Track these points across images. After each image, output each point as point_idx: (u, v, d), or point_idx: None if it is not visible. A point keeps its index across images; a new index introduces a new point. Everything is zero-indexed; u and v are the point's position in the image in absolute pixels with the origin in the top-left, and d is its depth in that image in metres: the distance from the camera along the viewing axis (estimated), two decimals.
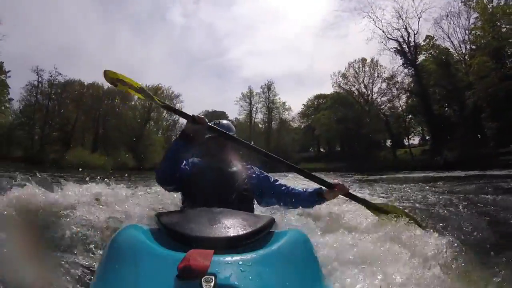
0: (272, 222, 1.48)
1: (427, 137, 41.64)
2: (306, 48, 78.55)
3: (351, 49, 73.33)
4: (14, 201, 2.83)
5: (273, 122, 51.58)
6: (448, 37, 34.85)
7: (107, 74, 2.66)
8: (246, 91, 52.12)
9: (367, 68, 44.11)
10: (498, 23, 28.06)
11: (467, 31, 33.46)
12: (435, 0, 44.02)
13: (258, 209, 2.69)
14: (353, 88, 45.45)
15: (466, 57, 33.64)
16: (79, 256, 2.44)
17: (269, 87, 50.85)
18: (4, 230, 2.33)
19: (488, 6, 29.06)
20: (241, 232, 1.30)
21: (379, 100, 44.16)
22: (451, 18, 34.24)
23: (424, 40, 36.54)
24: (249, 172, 2.57)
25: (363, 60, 44.08)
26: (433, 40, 35.84)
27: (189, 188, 2.40)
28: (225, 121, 2.70)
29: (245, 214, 1.64)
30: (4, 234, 2.27)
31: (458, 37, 34.43)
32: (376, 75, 43.63)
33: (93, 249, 2.54)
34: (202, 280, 0.92)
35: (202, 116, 2.31)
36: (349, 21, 79.26)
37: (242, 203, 2.27)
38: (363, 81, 44.50)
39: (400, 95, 41.78)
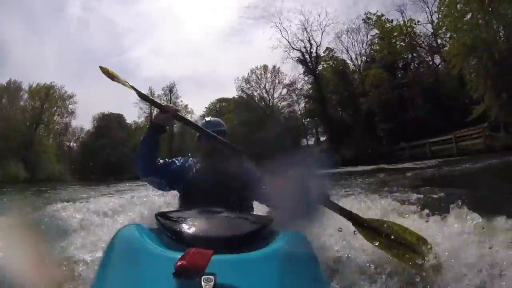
0: (271, 222, 1.52)
1: (321, 139, 46.24)
2: (209, 52, 77.52)
3: (255, 55, 75.78)
4: None
5: (175, 126, 50.46)
6: (347, 50, 39.86)
7: (103, 69, 2.54)
8: (147, 92, 48.87)
9: (269, 75, 46.87)
10: (394, 41, 33.60)
11: (364, 45, 38.71)
12: (339, 16, 49.33)
13: (259, 209, 2.59)
14: (255, 93, 47.78)
15: (361, 68, 38.92)
16: (79, 256, 2.56)
17: (171, 89, 49.81)
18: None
19: (387, 25, 34.38)
20: (241, 232, 1.32)
21: (279, 104, 47.45)
22: (350, 33, 39.28)
23: (324, 52, 40.81)
24: (245, 169, 2.50)
25: (265, 67, 46.67)
26: (333, 52, 40.37)
27: (186, 190, 2.40)
28: (213, 118, 2.68)
29: (245, 214, 1.75)
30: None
31: (356, 50, 39.63)
32: (277, 81, 46.70)
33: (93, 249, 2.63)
34: (202, 279, 0.93)
35: (170, 105, 2.49)
36: (254, 28, 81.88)
37: (240, 202, 2.25)
38: (265, 86, 47.14)
39: (299, 100, 45.79)
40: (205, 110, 53.49)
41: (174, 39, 76.21)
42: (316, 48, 40.58)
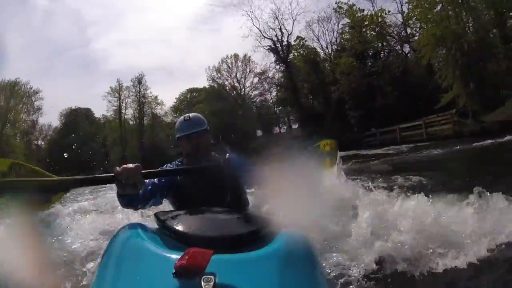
0: (272, 221, 1.50)
1: (293, 126, 46.94)
2: (178, 41, 76.24)
3: (225, 43, 74.95)
4: None
5: (145, 118, 49.40)
6: (318, 39, 40.39)
7: None
8: (115, 84, 48.33)
9: (240, 64, 46.85)
10: (364, 30, 34.35)
11: (335, 34, 39.31)
12: (310, 6, 49.52)
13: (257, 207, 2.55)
14: (226, 82, 47.79)
15: (331, 57, 39.55)
16: (80, 256, 2.58)
17: (139, 80, 48.40)
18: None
19: (358, 14, 34.92)
20: (241, 232, 1.31)
21: (251, 93, 47.72)
22: (321, 23, 39.76)
23: (295, 40, 41.09)
24: (231, 162, 2.34)
25: (236, 56, 46.61)
26: (304, 40, 40.75)
27: (177, 197, 2.32)
28: (193, 115, 2.45)
29: (245, 213, 1.73)
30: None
31: (326, 39, 40.22)
32: (248, 70, 46.77)
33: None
34: (202, 279, 0.92)
35: (127, 167, 1.59)
36: (223, 15, 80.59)
37: (234, 197, 2.21)
38: (236, 76, 47.15)
39: (271, 89, 46.25)
40: (175, 101, 52.99)
41: (142, 28, 74.64)
42: (288, 36, 40.95)
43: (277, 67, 42.64)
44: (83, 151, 39.07)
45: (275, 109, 48.10)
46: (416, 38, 28.96)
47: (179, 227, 1.30)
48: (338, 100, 35.63)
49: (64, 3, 70.78)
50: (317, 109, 39.69)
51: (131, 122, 49.36)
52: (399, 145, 21.62)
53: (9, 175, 1.71)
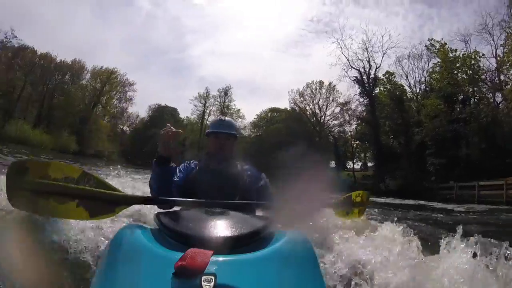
0: (272, 222, 1.52)
1: (369, 164, 44.52)
2: (267, 59, 78.90)
3: (311, 68, 75.18)
4: None
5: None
6: (406, 76, 38.32)
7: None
8: (203, 91, 51.54)
9: (324, 91, 46.48)
10: (455, 71, 31.53)
11: (424, 73, 36.97)
12: (401, 41, 47.70)
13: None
14: (307, 107, 47.44)
15: (419, 96, 37.05)
16: (80, 256, 2.48)
17: (226, 92, 51.03)
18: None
19: (450, 54, 32.43)
20: (241, 232, 1.31)
21: (330, 122, 46.67)
22: (412, 59, 37.70)
23: (384, 75, 39.44)
24: (248, 172, 2.47)
25: (321, 82, 46.32)
26: (392, 76, 38.90)
27: (187, 192, 2.29)
28: (228, 119, 2.60)
29: (245, 214, 1.71)
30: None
31: (415, 77, 37.98)
32: (331, 98, 46.08)
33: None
34: (202, 279, 0.94)
35: (169, 130, 2.09)
36: (314, 42, 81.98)
37: (242, 204, 2.16)
38: (318, 102, 46.64)
39: (352, 121, 44.54)
40: (256, 117, 54.01)
41: (235, 43, 78.90)
42: (375, 69, 39.38)
43: (361, 99, 41.08)
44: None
45: (352, 143, 46.12)
46: (509, 86, 25.50)
47: (179, 228, 1.33)
48: (419, 143, 32.93)
49: (166, 10, 78.41)
50: (396, 149, 37.21)
51: None
52: (476, 204, 19.17)
53: (80, 183, 1.88)
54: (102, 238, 2.63)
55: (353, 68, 40.04)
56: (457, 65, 31.48)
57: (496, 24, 29.67)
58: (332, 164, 46.46)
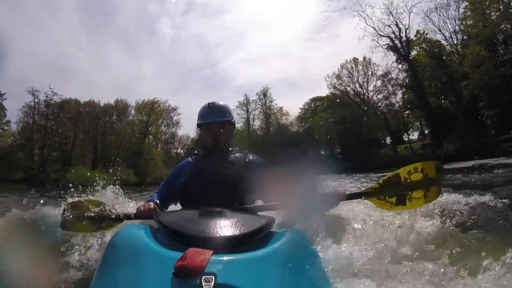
0: (272, 221, 1.48)
1: (426, 131, 41.56)
2: (298, 52, 77.96)
3: (344, 48, 72.60)
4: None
5: (271, 128, 51.26)
6: (439, 29, 35.00)
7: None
8: (243, 99, 51.88)
9: (360, 67, 44.08)
10: (487, 11, 28.26)
11: (457, 22, 33.64)
12: None
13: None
14: (348, 89, 45.32)
15: (458, 47, 33.86)
16: (80, 256, 2.54)
17: (265, 93, 50.68)
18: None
19: None
20: (241, 232, 1.29)
21: (375, 98, 44.25)
22: (440, 10, 34.44)
23: (415, 35, 36.50)
24: (248, 163, 2.28)
25: (355, 59, 44.07)
26: (424, 34, 35.86)
27: (186, 191, 2.22)
28: (218, 103, 2.35)
29: (245, 213, 1.68)
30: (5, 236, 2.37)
31: (449, 29, 34.70)
32: (370, 73, 43.57)
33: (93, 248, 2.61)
34: (202, 279, 0.93)
35: (144, 211, 2.02)
36: (339, 21, 78.08)
37: (243, 200, 2.08)
38: (358, 80, 44.35)
39: (396, 91, 41.83)
40: (300, 110, 53.24)
41: (262, 45, 78.86)
42: (406, 31, 36.51)
43: (400, 66, 38.50)
44: None
45: (403, 113, 43.30)
46: None
47: (179, 228, 1.33)
48: (470, 98, 30.07)
49: (188, 30, 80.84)
50: (448, 110, 34.26)
51: (259, 132, 51.87)
52: None
53: (97, 209, 2.34)
54: (103, 237, 2.70)
55: (382, 35, 37.61)
56: (487, 3, 28.07)
57: None
58: (388, 140, 44.31)
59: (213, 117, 2.25)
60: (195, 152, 2.41)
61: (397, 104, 43.04)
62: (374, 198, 2.29)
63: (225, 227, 1.33)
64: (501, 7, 27.31)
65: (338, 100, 44.76)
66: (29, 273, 2.04)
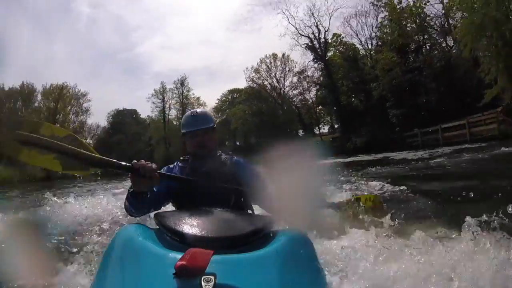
0: (272, 221, 1.50)
1: (336, 126, 45.48)
2: (219, 42, 77.49)
3: (265, 43, 75.05)
4: None
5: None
6: (356, 34, 38.75)
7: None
8: (159, 87, 50.24)
9: (279, 63, 46.46)
10: (404, 22, 32.27)
11: (374, 29, 37.53)
12: (346, 0, 47.80)
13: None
14: (265, 82, 47.45)
15: (372, 52, 37.84)
16: (80, 256, 2.56)
17: (182, 82, 49.82)
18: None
19: (397, 6, 32.89)
20: (241, 232, 1.30)
21: (290, 93, 47.17)
22: (359, 17, 38.05)
23: (332, 38, 39.82)
24: (236, 165, 2.31)
25: (274, 55, 46.25)
26: (341, 37, 39.39)
27: (180, 199, 2.20)
28: (200, 110, 2.38)
29: (245, 213, 1.73)
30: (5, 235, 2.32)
31: (365, 34, 38.57)
32: (287, 69, 46.27)
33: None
34: (202, 279, 0.93)
35: (149, 165, 1.73)
36: (263, 15, 79.84)
37: (237, 201, 2.09)
38: (275, 75, 46.72)
39: (311, 88, 45.24)
40: (217, 101, 53.48)
41: (183, 31, 76.92)
42: (325, 33, 39.55)
43: (316, 65, 41.56)
44: (129, 150, 41.10)
45: (315, 108, 46.82)
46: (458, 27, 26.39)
47: (179, 228, 1.30)
48: (379, 98, 33.96)
49: (107, 10, 74.44)
50: (358, 107, 38.11)
51: (174, 123, 50.42)
52: (442, 147, 19.53)
53: (64, 142, 1.91)
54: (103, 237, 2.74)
55: (303, 35, 40.16)
56: (405, 15, 32.18)
57: None
58: (301, 132, 47.32)
59: (198, 125, 2.28)
60: (181, 158, 2.41)
61: (310, 100, 46.37)
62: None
63: (225, 227, 1.36)
64: (417, 20, 31.44)
65: (255, 92, 46.35)
66: (28, 273, 2.01)
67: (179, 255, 1.02)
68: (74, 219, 3.63)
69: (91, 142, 49.26)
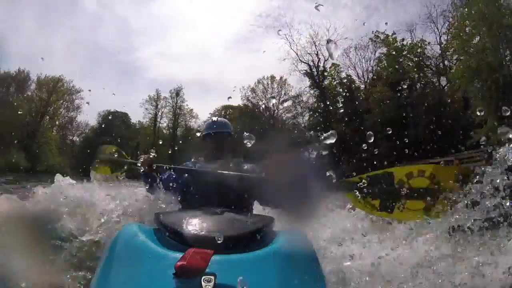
0: (272, 222, 1.55)
1: (323, 153, 45.80)
2: (218, 57, 76.28)
3: (263, 63, 74.84)
4: None
5: (179, 129, 50.77)
6: (354, 66, 40.21)
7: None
8: (153, 94, 50.21)
9: (275, 85, 47.36)
10: (401, 59, 33.68)
11: (371, 62, 38.99)
12: (347, 33, 49.17)
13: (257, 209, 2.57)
14: (260, 103, 48.19)
15: (367, 85, 39.06)
16: (80, 255, 2.57)
17: (177, 92, 50.10)
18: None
19: (397, 44, 34.38)
20: (241, 232, 1.33)
21: (284, 116, 47.86)
22: (358, 50, 39.64)
23: (330, 67, 40.71)
24: (247, 170, 2.46)
25: (272, 77, 47.09)
26: (339, 67, 40.42)
27: (187, 191, 2.40)
28: (220, 119, 2.70)
29: (246, 214, 1.76)
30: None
31: (363, 67, 39.94)
32: (283, 92, 47.17)
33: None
34: (202, 279, 0.94)
35: (147, 158, 2.62)
36: (264, 37, 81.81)
37: (240, 204, 2.18)
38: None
39: (304, 113, 45.94)
40: (209, 115, 53.47)
41: (184, 42, 76.10)
42: (324, 62, 40.53)
43: (312, 91, 42.52)
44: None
45: (307, 133, 47.48)
46: (453, 70, 27.89)
47: (179, 228, 1.33)
48: (370, 129, 34.63)
49: (113, 10, 74.11)
50: (349, 136, 38.74)
51: (165, 131, 50.59)
52: None
53: (113, 155, 3.35)
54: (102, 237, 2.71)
55: (303, 62, 41.27)
56: (404, 53, 33.64)
57: (439, 13, 32.24)
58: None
59: (217, 128, 2.60)
60: (193, 160, 2.70)
61: (303, 125, 47.00)
62: (350, 194, 2.03)
63: (225, 227, 1.37)
64: (415, 59, 32.92)
65: (249, 111, 46.78)
66: (28, 272, 2.00)
67: (179, 255, 1.05)
68: (74, 217, 3.41)
69: (77, 139, 48.88)
